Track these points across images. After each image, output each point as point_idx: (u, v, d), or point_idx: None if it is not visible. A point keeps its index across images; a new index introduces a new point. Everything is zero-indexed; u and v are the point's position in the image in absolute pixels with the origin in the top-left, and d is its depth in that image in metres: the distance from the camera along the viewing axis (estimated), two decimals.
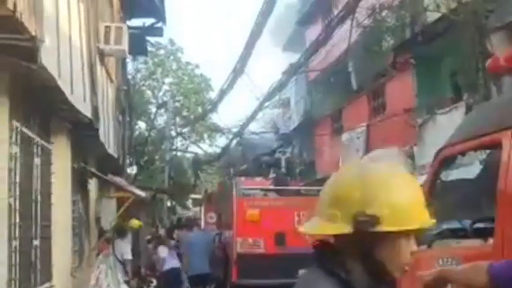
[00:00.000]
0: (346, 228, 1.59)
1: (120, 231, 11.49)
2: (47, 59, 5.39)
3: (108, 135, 11.77)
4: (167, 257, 13.47)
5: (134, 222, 11.39)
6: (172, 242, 15.21)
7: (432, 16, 12.09)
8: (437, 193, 4.93)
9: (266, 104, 17.99)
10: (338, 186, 1.68)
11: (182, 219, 19.61)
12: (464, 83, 12.05)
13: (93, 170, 10.54)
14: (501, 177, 3.70)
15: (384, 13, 12.23)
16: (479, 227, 4.47)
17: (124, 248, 11.11)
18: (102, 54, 10.98)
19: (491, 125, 4.06)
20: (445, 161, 4.73)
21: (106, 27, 10.74)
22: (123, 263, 10.78)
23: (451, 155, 4.69)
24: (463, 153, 4.98)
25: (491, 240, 3.65)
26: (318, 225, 1.67)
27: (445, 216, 6.42)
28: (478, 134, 4.17)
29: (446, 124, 11.05)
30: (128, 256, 11.08)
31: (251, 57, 15.17)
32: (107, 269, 7.91)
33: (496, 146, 3.97)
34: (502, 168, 3.73)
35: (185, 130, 32.97)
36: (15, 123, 5.60)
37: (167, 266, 13.20)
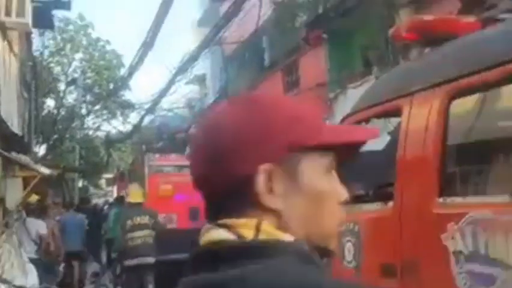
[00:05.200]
0: None
1: (30, 209, 11.18)
2: None
3: (11, 112, 11.22)
4: None
5: (33, 197, 11.24)
6: None
7: None
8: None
9: (179, 78, 17.69)
10: None
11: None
12: (374, 57, 12.30)
13: None
14: (400, 142, 3.74)
15: None
16: (381, 192, 4.56)
17: (39, 225, 10.76)
18: (3, 27, 10.41)
19: (392, 91, 4.08)
20: None
21: None
22: (36, 241, 10.43)
23: (355, 123, 4.72)
24: (366, 121, 5.03)
25: (390, 203, 3.71)
26: None
27: (352, 185, 6.55)
28: (381, 100, 4.20)
29: (357, 98, 11.23)
30: (44, 231, 10.71)
31: (164, 33, 14.82)
32: (11, 248, 7.54)
33: (397, 112, 4.00)
34: (401, 134, 3.77)
35: (96, 107, 32.10)
36: None
37: None
